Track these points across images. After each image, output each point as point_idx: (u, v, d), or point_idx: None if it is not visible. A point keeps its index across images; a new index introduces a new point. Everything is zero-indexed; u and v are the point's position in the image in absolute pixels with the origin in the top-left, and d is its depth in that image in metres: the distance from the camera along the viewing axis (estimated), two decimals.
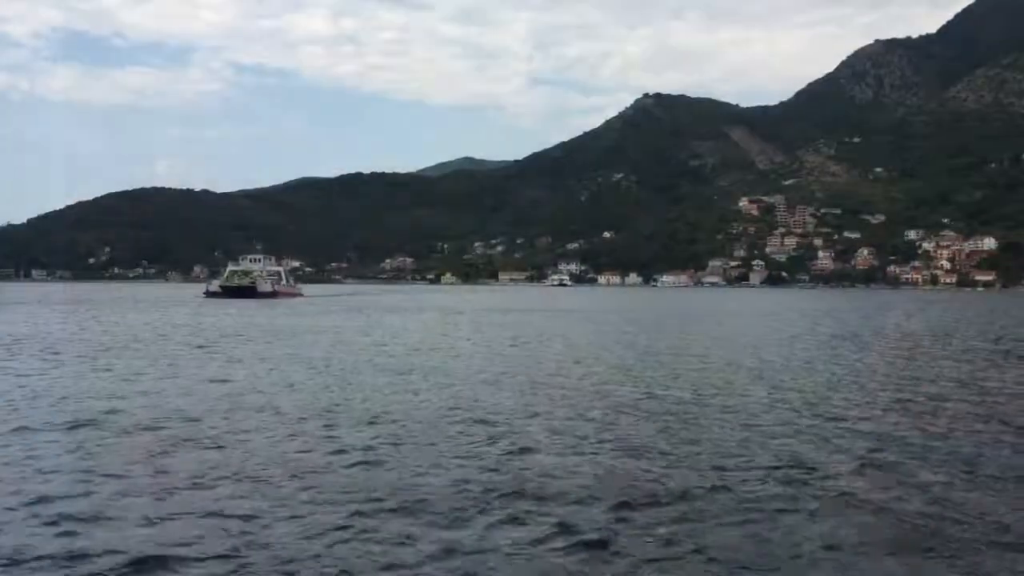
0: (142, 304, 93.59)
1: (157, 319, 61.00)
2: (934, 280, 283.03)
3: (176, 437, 15.70)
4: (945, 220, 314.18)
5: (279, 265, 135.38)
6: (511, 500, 11.62)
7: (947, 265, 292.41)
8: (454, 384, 23.70)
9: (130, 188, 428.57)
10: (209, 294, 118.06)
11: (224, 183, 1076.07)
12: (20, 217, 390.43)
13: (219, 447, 14.95)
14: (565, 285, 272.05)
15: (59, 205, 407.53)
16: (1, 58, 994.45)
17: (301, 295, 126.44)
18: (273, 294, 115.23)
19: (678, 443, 15.42)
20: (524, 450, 14.70)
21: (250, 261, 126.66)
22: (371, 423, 17.36)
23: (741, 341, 43.30)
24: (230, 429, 16.55)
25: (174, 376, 25.25)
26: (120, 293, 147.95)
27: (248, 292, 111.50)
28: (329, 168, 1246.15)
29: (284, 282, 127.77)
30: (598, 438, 15.82)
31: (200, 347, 35.45)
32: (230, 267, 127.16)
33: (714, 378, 25.84)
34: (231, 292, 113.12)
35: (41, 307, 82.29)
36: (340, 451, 14.57)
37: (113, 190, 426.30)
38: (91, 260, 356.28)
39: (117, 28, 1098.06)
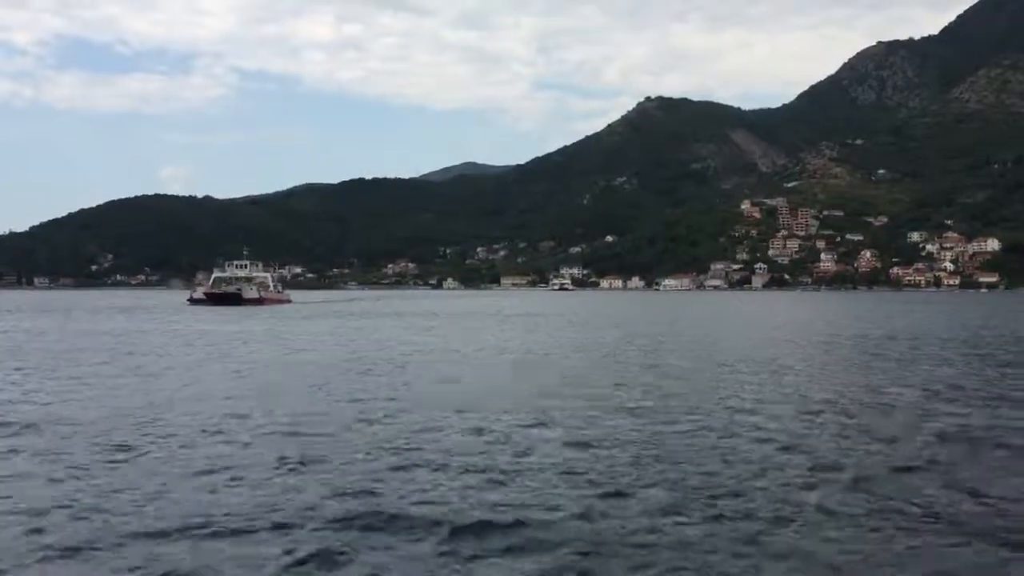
0: (104, 311, 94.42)
1: (100, 327, 61.14)
2: (937, 282, 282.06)
3: None
4: (948, 222, 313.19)
5: (267, 271, 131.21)
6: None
7: (950, 267, 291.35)
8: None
9: (132, 195, 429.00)
10: (193, 301, 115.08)
11: (227, 189, 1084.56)
12: (23, 224, 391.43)
13: None
14: (566, 289, 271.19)
15: (62, 212, 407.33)
16: (5, 66, 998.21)
17: (290, 302, 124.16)
18: (259, 301, 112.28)
19: None
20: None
21: (236, 267, 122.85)
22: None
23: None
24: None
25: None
26: (105, 301, 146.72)
27: (233, 299, 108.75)
28: (332, 174, 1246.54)
29: (272, 288, 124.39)
30: None
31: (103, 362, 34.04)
32: (215, 273, 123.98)
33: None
34: (216, 299, 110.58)
35: None
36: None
37: (116, 197, 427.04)
38: (93, 267, 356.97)
39: (120, 35, 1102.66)
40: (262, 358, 35.13)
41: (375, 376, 27.91)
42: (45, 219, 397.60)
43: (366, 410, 20.24)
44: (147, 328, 59.77)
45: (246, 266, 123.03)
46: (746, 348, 41.07)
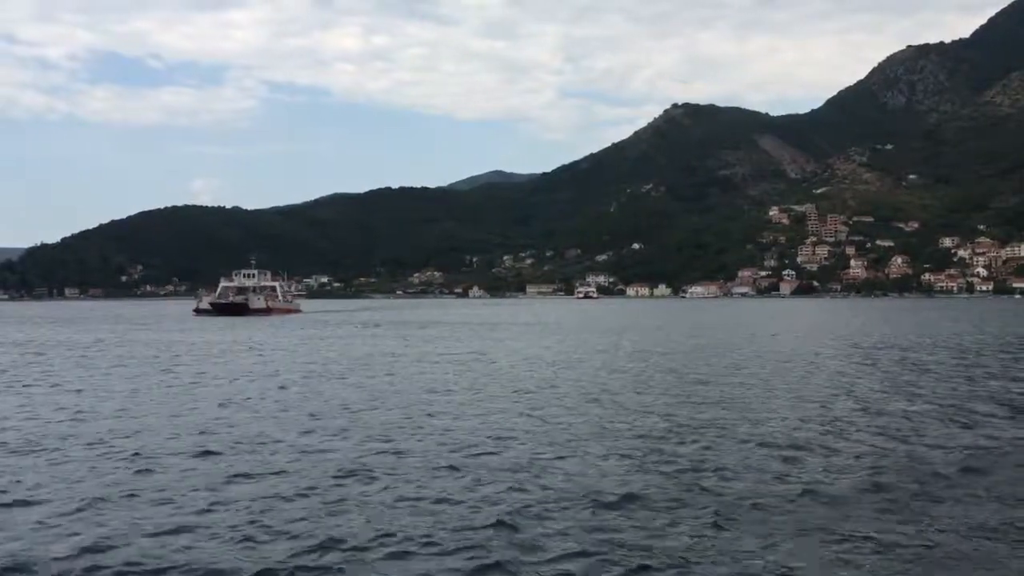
0: (107, 322, 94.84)
1: (79, 338, 61.44)
2: (970, 288, 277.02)
3: None
4: (981, 227, 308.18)
5: (276, 280, 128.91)
6: None
7: (983, 272, 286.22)
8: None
9: (162, 206, 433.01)
10: (199, 311, 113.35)
11: (256, 200, 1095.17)
12: (54, 236, 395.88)
13: None
14: (591, 297, 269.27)
15: (93, 224, 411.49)
16: (40, 80, 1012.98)
17: (299, 311, 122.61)
18: (267, 311, 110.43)
19: None
20: None
21: (245, 276, 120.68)
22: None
23: None
24: None
25: None
26: (121, 310, 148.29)
27: (239, 309, 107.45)
28: (359, 184, 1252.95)
29: (281, 298, 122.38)
30: None
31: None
32: (223, 283, 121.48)
33: None
34: (221, 309, 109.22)
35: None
36: None
37: (147, 208, 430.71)
38: (123, 278, 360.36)
39: (152, 49, 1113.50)
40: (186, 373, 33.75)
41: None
42: (76, 231, 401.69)
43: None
44: (125, 339, 60.00)
45: (254, 275, 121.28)
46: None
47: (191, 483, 13.90)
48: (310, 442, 17.60)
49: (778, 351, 43.99)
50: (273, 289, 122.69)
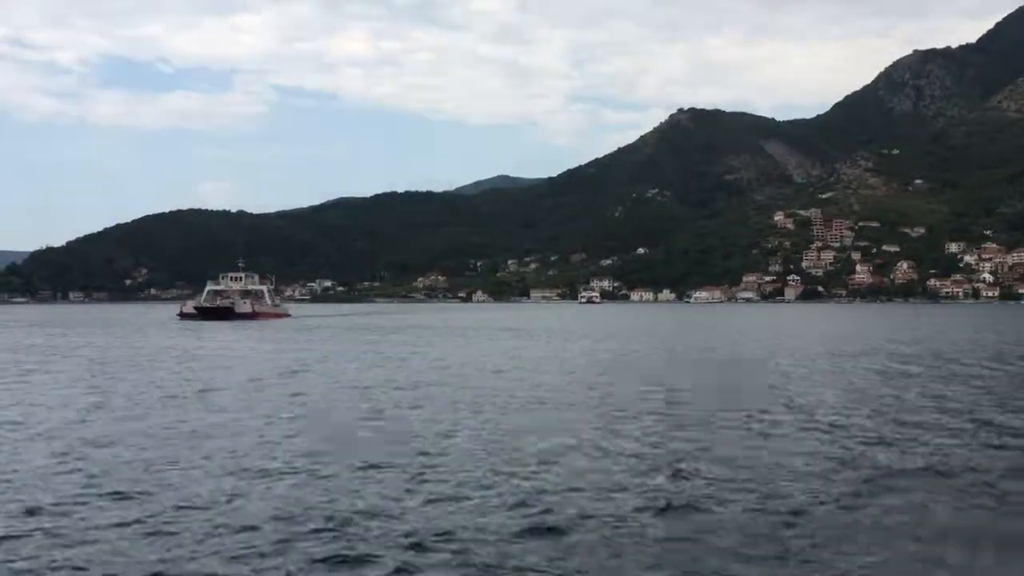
0: (80, 325, 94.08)
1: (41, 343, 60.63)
2: (976, 294, 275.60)
3: None
4: (987, 232, 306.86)
5: (263, 283, 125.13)
6: None
7: (989, 278, 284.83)
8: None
9: (167, 210, 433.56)
10: (184, 316, 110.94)
11: (264, 203, 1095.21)
12: (59, 240, 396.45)
13: None
14: (594, 302, 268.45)
15: (99, 227, 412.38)
16: (51, 85, 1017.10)
17: (288, 315, 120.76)
18: (252, 315, 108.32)
19: None
20: None
21: (232, 279, 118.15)
22: None
23: None
24: None
25: None
26: (114, 314, 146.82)
27: (224, 313, 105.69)
28: (367, 188, 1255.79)
29: (269, 302, 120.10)
30: None
31: None
32: (209, 286, 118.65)
33: None
34: (206, 313, 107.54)
35: None
36: None
37: (154, 212, 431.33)
38: (127, 282, 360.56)
39: (162, 54, 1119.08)
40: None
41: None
42: (82, 234, 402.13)
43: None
44: (95, 344, 59.38)
45: (241, 278, 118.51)
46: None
47: None
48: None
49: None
50: (260, 293, 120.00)
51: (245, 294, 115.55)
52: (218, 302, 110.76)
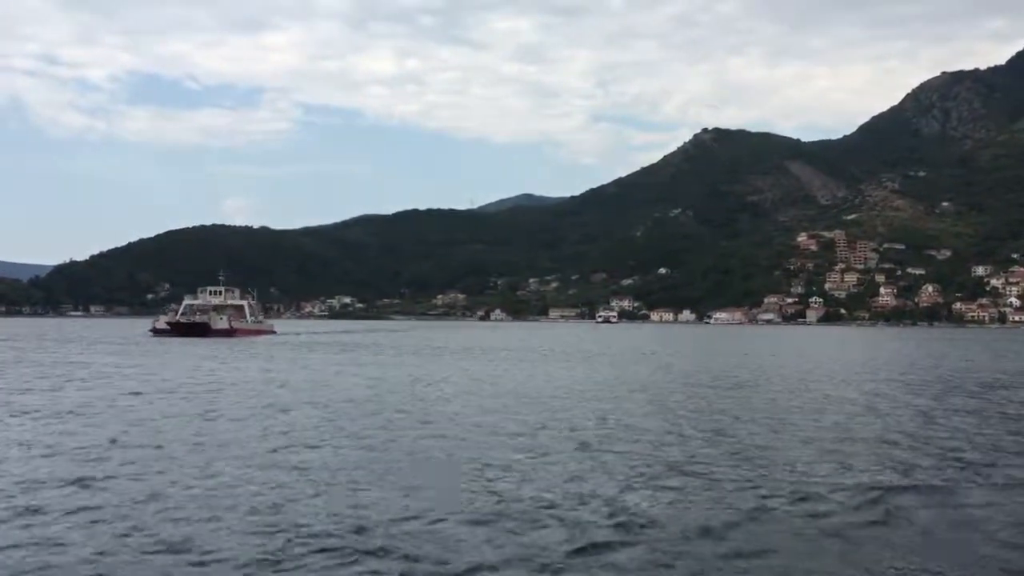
0: (54, 340, 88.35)
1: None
2: (1002, 318, 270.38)
3: None
4: (1015, 255, 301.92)
5: (244, 298, 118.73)
6: None
7: (1016, 303, 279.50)
8: None
9: (191, 225, 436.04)
10: (156, 332, 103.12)
11: (288, 220, 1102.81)
12: (84, 254, 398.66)
13: None
14: (611, 322, 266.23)
15: (123, 242, 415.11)
16: (81, 101, 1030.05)
17: (272, 332, 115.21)
18: (230, 332, 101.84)
19: None
20: None
21: (211, 293, 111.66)
22: None
23: None
24: None
25: None
26: (106, 329, 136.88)
27: (200, 330, 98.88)
28: (389, 205, 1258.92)
29: (249, 318, 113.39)
30: None
31: None
32: (186, 300, 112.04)
33: None
34: (180, 329, 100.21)
35: None
36: None
37: (178, 227, 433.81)
38: (148, 296, 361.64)
39: (190, 71, 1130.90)
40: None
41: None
42: (105, 249, 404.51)
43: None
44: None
45: (221, 292, 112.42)
46: None
47: None
48: None
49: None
50: (240, 308, 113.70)
51: (222, 309, 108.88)
52: (195, 318, 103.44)
